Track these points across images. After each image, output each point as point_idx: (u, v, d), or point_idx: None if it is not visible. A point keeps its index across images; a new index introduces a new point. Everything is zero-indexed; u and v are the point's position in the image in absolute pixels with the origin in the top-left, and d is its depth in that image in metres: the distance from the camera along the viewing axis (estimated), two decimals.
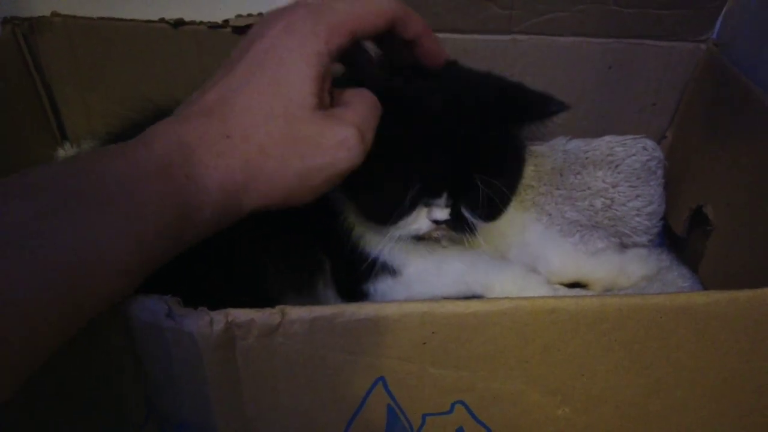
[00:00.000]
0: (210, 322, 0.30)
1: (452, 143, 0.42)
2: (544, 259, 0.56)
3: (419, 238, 0.46)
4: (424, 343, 0.33)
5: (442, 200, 0.44)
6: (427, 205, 0.44)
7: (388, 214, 0.43)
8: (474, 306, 0.32)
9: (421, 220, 0.45)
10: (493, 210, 0.46)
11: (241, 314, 0.31)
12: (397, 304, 0.32)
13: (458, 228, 0.46)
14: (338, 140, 0.34)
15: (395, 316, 0.32)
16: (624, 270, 0.56)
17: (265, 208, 0.35)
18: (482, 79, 0.48)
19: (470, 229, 0.46)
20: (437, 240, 0.48)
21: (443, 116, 0.42)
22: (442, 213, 0.44)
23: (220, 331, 0.31)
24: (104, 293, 0.28)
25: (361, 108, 0.36)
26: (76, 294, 0.27)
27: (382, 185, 0.43)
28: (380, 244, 0.47)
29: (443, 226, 0.45)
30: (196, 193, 0.31)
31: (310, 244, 0.49)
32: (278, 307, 0.31)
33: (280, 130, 0.33)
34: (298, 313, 0.31)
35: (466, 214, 0.44)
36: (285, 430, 0.36)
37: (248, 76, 0.34)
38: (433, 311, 0.32)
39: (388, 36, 0.39)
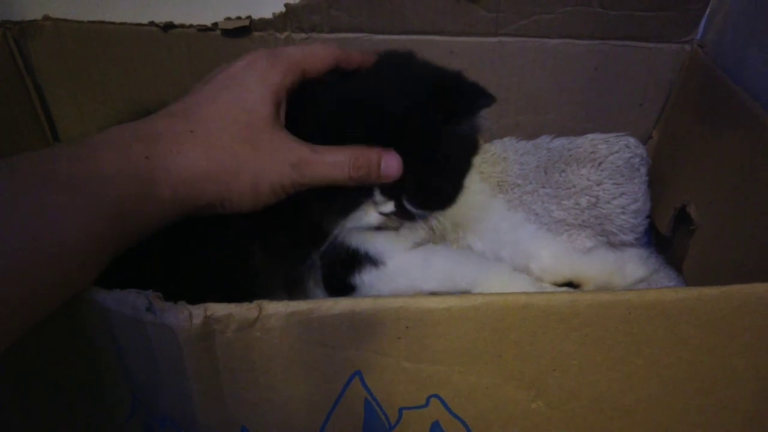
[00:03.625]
0: (189, 316, 0.31)
1: (377, 136, 0.43)
2: (537, 257, 0.56)
3: (378, 228, 0.48)
4: (399, 338, 0.34)
5: (377, 197, 0.46)
6: (370, 201, 0.46)
7: (337, 212, 0.46)
8: (448, 301, 0.33)
9: (370, 214, 0.47)
10: (434, 200, 0.48)
11: (219, 308, 0.32)
12: (372, 299, 0.33)
13: (408, 218, 0.47)
14: (291, 160, 0.39)
15: (370, 311, 0.33)
16: (620, 269, 0.56)
17: (224, 204, 0.39)
18: (415, 74, 0.48)
19: (420, 218, 0.48)
20: (396, 229, 0.49)
21: (367, 116, 0.44)
22: (386, 207, 0.46)
23: (199, 324, 0.31)
24: (69, 275, 0.31)
25: (326, 152, 0.41)
26: (41, 272, 0.29)
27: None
28: (343, 233, 0.49)
29: (393, 216, 0.47)
30: (154, 170, 0.35)
31: (297, 241, 0.50)
32: (256, 302, 0.32)
33: (242, 134, 0.38)
34: (275, 307, 0.32)
35: (408, 205, 0.46)
36: (264, 423, 0.37)
37: (214, 94, 0.40)
38: (408, 306, 0.33)
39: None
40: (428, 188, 0.46)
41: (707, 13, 0.60)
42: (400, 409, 0.37)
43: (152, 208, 0.35)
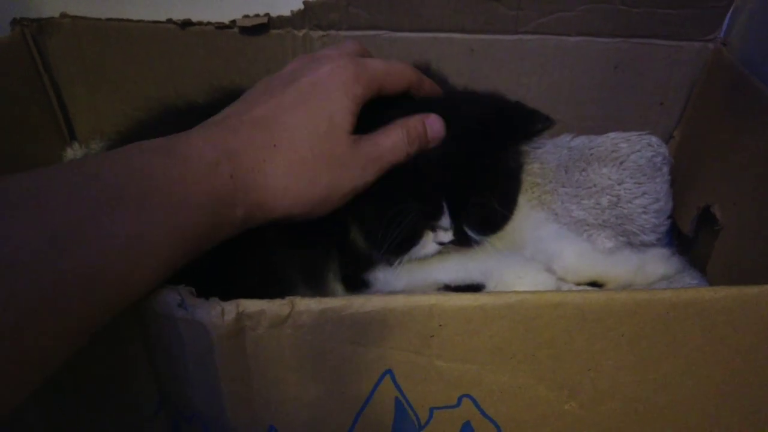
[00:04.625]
0: (221, 312, 0.31)
1: (445, 169, 0.44)
2: (559, 257, 0.55)
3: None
4: (432, 336, 0.33)
5: (445, 223, 0.46)
6: (432, 229, 0.47)
7: (395, 244, 0.45)
8: (481, 299, 0.33)
9: (428, 245, 0.47)
10: (492, 225, 0.48)
11: (251, 305, 0.31)
12: (405, 297, 0.32)
13: (464, 243, 0.48)
14: (361, 164, 0.40)
15: (403, 308, 0.32)
16: (642, 269, 0.55)
17: (290, 217, 0.39)
18: (473, 101, 0.49)
19: (476, 242, 0.48)
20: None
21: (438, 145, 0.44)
22: (446, 235, 0.47)
23: (231, 321, 0.31)
24: (143, 286, 0.30)
25: (383, 139, 0.42)
26: (119, 285, 0.29)
27: (385, 216, 0.44)
28: (388, 273, 0.49)
29: (450, 244, 0.47)
30: (235, 192, 0.35)
31: (318, 236, 0.49)
32: (288, 298, 0.32)
33: (322, 146, 0.39)
34: (306, 304, 0.32)
35: (469, 231, 0.47)
36: (293, 422, 0.36)
37: (298, 101, 0.40)
38: (441, 304, 0.32)
39: None
40: (491, 213, 0.46)
41: (731, 10, 0.59)
42: (431, 409, 0.36)
43: (222, 232, 0.35)
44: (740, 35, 0.60)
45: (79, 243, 0.27)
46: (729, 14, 0.59)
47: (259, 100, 0.40)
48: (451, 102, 0.49)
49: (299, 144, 0.38)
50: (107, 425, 0.40)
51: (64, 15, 0.64)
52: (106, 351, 0.35)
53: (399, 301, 0.32)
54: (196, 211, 0.32)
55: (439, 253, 0.50)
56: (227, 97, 0.50)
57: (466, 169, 0.44)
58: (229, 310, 0.31)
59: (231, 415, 0.36)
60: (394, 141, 0.41)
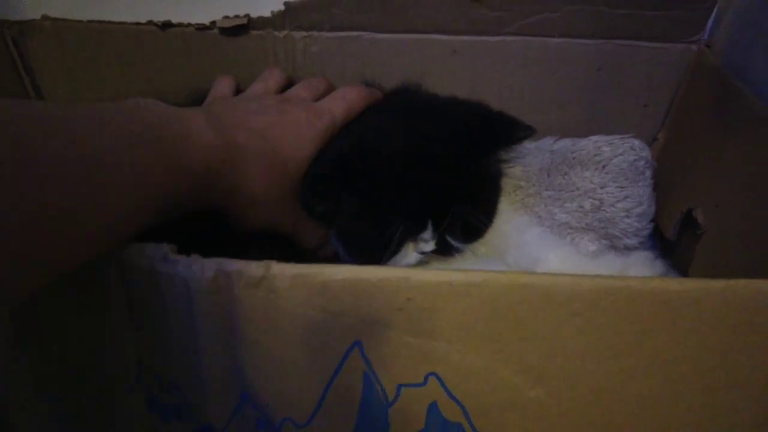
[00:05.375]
0: (201, 268, 0.32)
1: (426, 179, 0.45)
2: (544, 260, 0.56)
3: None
4: (400, 309, 0.34)
5: (428, 233, 0.46)
6: (414, 240, 0.47)
7: (377, 255, 0.46)
8: (450, 276, 0.33)
9: (409, 255, 0.48)
10: (474, 232, 0.49)
11: (229, 263, 0.33)
12: (375, 268, 0.33)
13: (446, 252, 0.49)
14: (291, 222, 0.47)
15: (373, 279, 0.33)
16: (626, 273, 0.55)
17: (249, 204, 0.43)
18: (455, 108, 0.51)
19: (457, 251, 0.49)
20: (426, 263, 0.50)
21: (414, 157, 0.45)
22: (428, 245, 0.48)
23: (210, 277, 0.32)
24: (135, 222, 0.35)
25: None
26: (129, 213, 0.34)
27: (367, 231, 0.46)
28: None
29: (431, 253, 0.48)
30: (219, 177, 0.40)
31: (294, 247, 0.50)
32: (264, 261, 0.33)
33: (287, 177, 0.45)
34: (281, 268, 0.33)
35: (450, 240, 0.48)
36: (264, 389, 0.37)
37: (285, 126, 0.46)
38: (410, 277, 0.33)
39: None
40: (472, 221, 0.47)
41: (714, 12, 0.60)
42: (399, 386, 0.37)
43: (191, 202, 0.39)
44: (724, 37, 0.60)
45: (101, 169, 0.31)
46: (712, 16, 0.60)
47: (247, 113, 0.46)
48: (434, 108, 0.50)
49: (277, 165, 0.44)
50: (83, 400, 0.41)
51: (45, 17, 0.63)
52: (87, 315, 0.37)
53: (370, 272, 0.33)
54: (186, 173, 0.37)
55: (420, 262, 0.50)
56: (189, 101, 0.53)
57: (449, 176, 0.45)
58: (209, 266, 0.32)
59: (207, 379, 0.37)
60: (311, 238, 0.50)
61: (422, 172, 0.45)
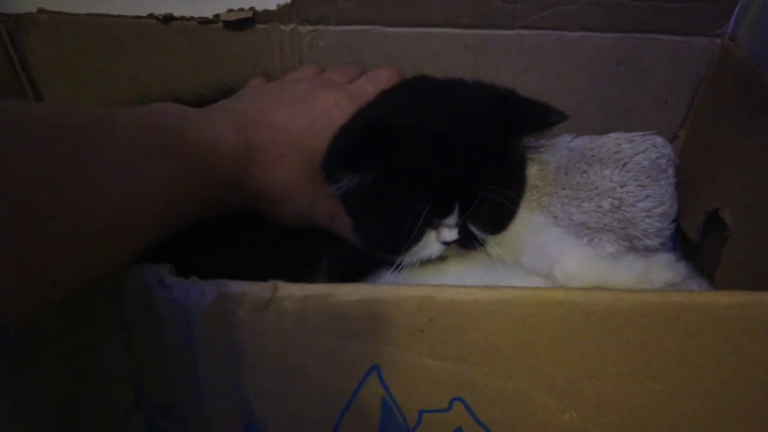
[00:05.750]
0: (201, 293, 0.30)
1: (454, 161, 0.42)
2: (561, 262, 0.52)
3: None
4: (422, 331, 0.31)
5: (453, 219, 0.44)
6: (435, 227, 0.44)
7: (398, 243, 0.43)
8: (475, 293, 0.31)
9: (431, 245, 0.45)
10: (499, 222, 0.47)
11: (232, 285, 0.30)
12: (394, 287, 0.31)
13: (468, 245, 0.46)
14: (328, 213, 0.45)
15: (391, 299, 0.30)
16: (647, 275, 0.52)
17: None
18: (473, 90, 0.48)
19: (480, 244, 0.46)
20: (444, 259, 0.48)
21: (442, 136, 0.43)
22: (451, 233, 0.44)
23: (211, 302, 0.30)
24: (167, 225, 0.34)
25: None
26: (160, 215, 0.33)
27: (390, 214, 0.43)
28: (386, 276, 0.46)
29: (452, 245, 0.45)
30: (248, 180, 0.40)
31: (307, 243, 0.48)
32: (270, 282, 0.30)
33: (313, 168, 0.43)
34: (290, 289, 0.30)
35: (475, 229, 0.45)
36: (275, 417, 0.34)
37: (306, 123, 0.44)
38: (432, 296, 0.31)
39: None
40: (498, 209, 0.45)
41: (739, 4, 0.57)
42: (420, 412, 0.34)
43: (217, 207, 0.39)
44: (749, 30, 0.58)
45: (120, 181, 0.29)
46: (737, 8, 0.57)
47: (272, 107, 0.44)
48: (463, 88, 0.48)
49: (299, 158, 0.43)
50: (79, 426, 0.38)
51: (41, 10, 0.62)
52: (84, 343, 0.34)
53: (387, 291, 0.31)
54: (211, 183, 0.37)
55: (436, 267, 0.48)
56: (218, 94, 0.50)
57: (479, 158, 0.43)
58: (210, 290, 0.30)
59: (210, 408, 0.34)
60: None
61: (451, 152, 0.42)
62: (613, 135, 0.60)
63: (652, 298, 0.31)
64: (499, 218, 0.46)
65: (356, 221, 0.45)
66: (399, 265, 0.45)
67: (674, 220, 0.59)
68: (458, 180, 0.43)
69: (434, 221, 0.44)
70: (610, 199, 0.56)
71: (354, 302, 0.30)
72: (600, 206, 0.57)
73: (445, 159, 0.42)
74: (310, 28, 0.61)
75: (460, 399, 0.34)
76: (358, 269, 0.47)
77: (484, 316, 0.31)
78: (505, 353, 0.32)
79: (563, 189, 0.59)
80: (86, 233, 0.28)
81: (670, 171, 0.58)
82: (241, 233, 0.43)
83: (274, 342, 0.31)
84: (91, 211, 0.28)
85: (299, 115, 0.44)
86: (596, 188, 0.58)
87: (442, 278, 0.48)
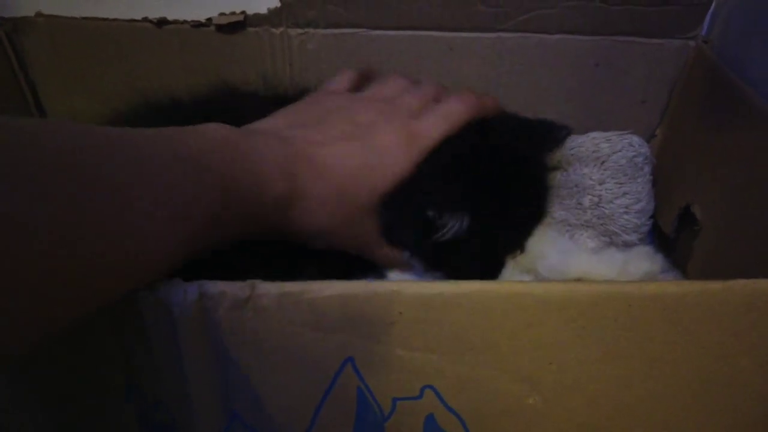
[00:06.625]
0: (184, 293, 0.31)
1: (520, 192, 0.46)
2: (543, 256, 0.55)
3: None
4: (392, 323, 0.33)
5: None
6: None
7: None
8: (440, 287, 0.33)
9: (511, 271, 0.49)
10: (522, 237, 0.50)
11: (212, 285, 0.32)
12: (365, 283, 0.33)
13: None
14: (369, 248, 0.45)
15: (363, 294, 0.32)
16: (626, 266, 0.54)
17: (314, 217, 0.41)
18: (490, 122, 0.49)
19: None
20: None
21: (499, 171, 0.45)
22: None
23: (193, 301, 0.31)
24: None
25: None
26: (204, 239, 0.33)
27: (478, 250, 0.46)
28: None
29: None
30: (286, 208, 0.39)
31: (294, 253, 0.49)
32: (249, 281, 0.32)
33: (362, 200, 0.43)
34: (267, 287, 0.32)
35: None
36: (256, 409, 0.36)
37: (362, 161, 0.43)
38: (402, 291, 0.33)
39: None
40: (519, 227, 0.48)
41: (712, 8, 0.59)
42: (394, 400, 0.36)
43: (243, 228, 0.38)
44: (721, 33, 0.60)
45: (168, 204, 0.30)
46: (710, 12, 0.59)
47: (327, 141, 0.42)
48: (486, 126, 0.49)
49: (342, 192, 0.41)
50: (72, 418, 0.40)
51: (39, 14, 0.63)
52: (77, 341, 0.36)
53: (360, 287, 0.32)
54: (251, 221, 0.37)
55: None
56: (215, 93, 0.52)
57: (535, 191, 0.47)
58: (192, 290, 0.31)
59: (196, 402, 0.36)
60: (395, 256, 0.46)
61: (517, 187, 0.45)
62: (591, 134, 0.62)
63: (603, 288, 0.34)
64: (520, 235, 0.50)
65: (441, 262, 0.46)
66: None
67: (651, 217, 0.61)
68: (528, 210, 0.48)
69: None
70: (590, 197, 0.59)
71: (327, 297, 0.32)
72: (580, 203, 0.59)
73: (514, 190, 0.46)
74: (299, 31, 0.63)
75: (430, 387, 0.36)
76: None
77: (449, 308, 0.33)
78: (471, 343, 0.34)
79: None
80: (106, 266, 0.28)
81: (647, 169, 0.60)
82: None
83: (254, 337, 0.33)
84: (111, 247, 0.28)
85: (352, 153, 0.42)
86: (576, 186, 0.60)
87: None
